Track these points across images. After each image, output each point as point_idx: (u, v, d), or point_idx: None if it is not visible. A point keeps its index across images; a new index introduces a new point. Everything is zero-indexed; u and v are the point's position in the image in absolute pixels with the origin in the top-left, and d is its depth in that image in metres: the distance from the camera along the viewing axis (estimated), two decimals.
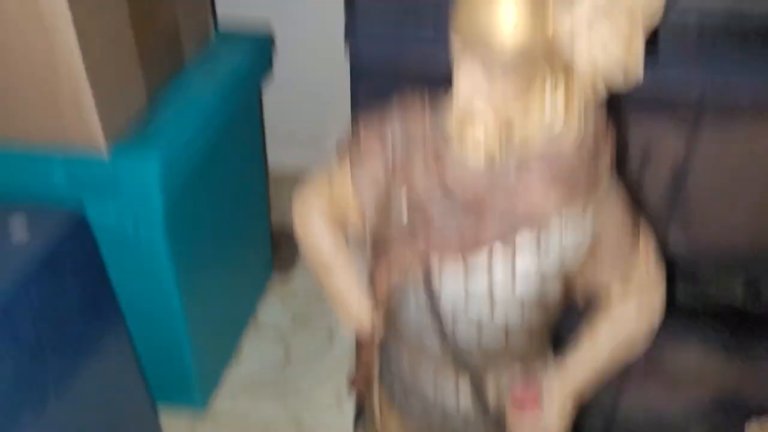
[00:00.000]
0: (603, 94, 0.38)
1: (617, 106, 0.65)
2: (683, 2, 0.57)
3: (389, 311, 0.47)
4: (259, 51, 0.94)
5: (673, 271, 0.75)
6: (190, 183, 0.80)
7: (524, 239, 0.41)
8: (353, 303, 0.50)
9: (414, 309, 0.46)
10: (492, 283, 0.42)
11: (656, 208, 0.72)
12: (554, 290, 0.43)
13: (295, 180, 1.29)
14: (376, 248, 0.46)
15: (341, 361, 1.03)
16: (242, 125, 0.94)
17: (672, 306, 0.72)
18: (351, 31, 0.64)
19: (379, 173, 0.44)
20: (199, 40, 0.90)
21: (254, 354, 1.05)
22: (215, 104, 0.82)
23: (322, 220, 0.49)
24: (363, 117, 0.45)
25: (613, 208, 0.42)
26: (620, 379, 0.84)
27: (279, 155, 1.26)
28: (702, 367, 0.82)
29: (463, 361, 0.46)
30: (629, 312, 0.47)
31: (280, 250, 1.17)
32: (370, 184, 0.44)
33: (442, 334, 0.45)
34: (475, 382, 0.47)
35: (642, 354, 0.81)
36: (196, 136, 0.78)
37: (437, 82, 0.66)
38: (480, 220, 0.40)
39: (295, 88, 1.14)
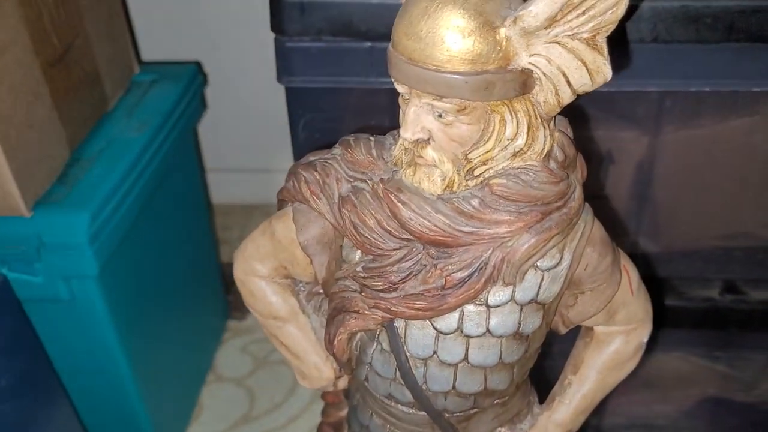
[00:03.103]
0: (569, 100, 0.34)
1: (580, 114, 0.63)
2: None
3: (351, 366, 0.42)
4: (188, 86, 0.88)
5: (650, 276, 0.74)
6: (125, 232, 0.73)
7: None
8: (311, 362, 0.45)
9: (378, 358, 0.41)
10: (464, 320, 0.38)
11: (624, 213, 0.70)
12: (533, 322, 0.39)
13: (243, 210, 1.24)
14: (331, 309, 0.41)
15: (308, 404, 0.97)
16: (177, 164, 0.88)
17: (657, 313, 0.71)
18: (284, 72, 0.61)
19: (328, 232, 0.39)
20: (123, 81, 0.85)
21: (215, 408, 0.98)
22: (144, 146, 0.76)
23: (270, 286, 0.44)
24: (303, 168, 0.40)
25: (591, 239, 0.38)
26: None
27: (225, 186, 1.20)
28: (687, 370, 0.80)
29: (438, 413, 0.41)
30: (616, 345, 0.43)
31: (234, 292, 1.10)
32: (320, 246, 0.40)
33: (412, 383, 0.40)
34: None
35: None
36: (125, 183, 0.72)
37: (378, 112, 0.65)
38: (445, 278, 0.36)
39: (234, 117, 1.08)
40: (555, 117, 0.37)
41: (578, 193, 0.37)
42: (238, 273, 0.45)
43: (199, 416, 0.97)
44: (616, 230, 0.72)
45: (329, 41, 0.59)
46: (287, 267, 0.43)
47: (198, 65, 0.92)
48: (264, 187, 1.19)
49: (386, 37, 0.58)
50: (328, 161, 0.40)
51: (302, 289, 0.46)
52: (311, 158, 0.43)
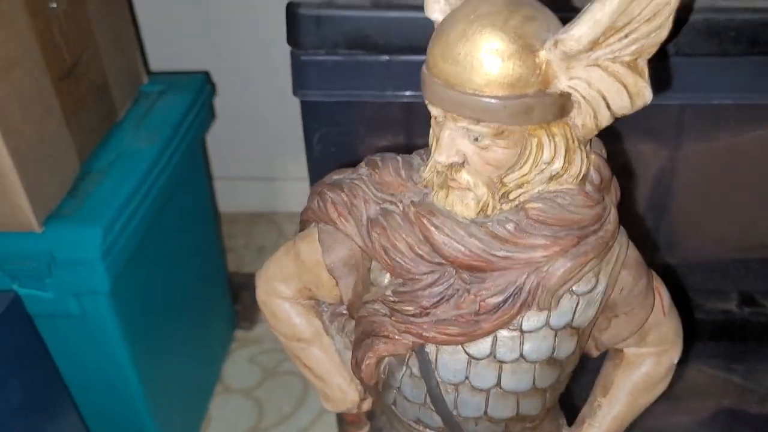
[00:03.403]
0: (608, 123, 0.34)
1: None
2: None
3: (378, 389, 0.42)
4: (197, 96, 0.87)
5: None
6: (136, 246, 0.72)
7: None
8: (336, 385, 0.44)
9: (408, 383, 0.40)
10: (497, 346, 0.37)
11: (643, 224, 0.69)
12: (568, 347, 0.38)
13: (249, 218, 1.24)
14: (359, 333, 0.40)
15: (317, 416, 0.96)
16: (186, 174, 0.87)
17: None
18: (299, 85, 0.60)
19: (355, 254, 0.38)
20: (132, 91, 0.84)
21: (224, 420, 0.97)
22: (154, 158, 0.76)
23: (293, 307, 0.43)
24: (329, 188, 0.40)
25: (626, 262, 0.38)
26: None
27: (230, 195, 1.19)
28: (702, 382, 0.79)
29: None
30: (647, 366, 0.43)
31: (241, 301, 1.10)
32: (347, 269, 0.39)
33: (443, 408, 0.39)
34: None
35: None
36: (136, 196, 0.71)
37: (394, 126, 0.64)
38: (479, 303, 0.35)
39: (241, 126, 1.08)
40: (591, 139, 0.36)
41: (613, 215, 0.36)
42: (261, 295, 0.44)
43: (208, 428, 0.96)
44: (635, 242, 0.72)
45: (345, 55, 0.58)
46: (311, 288, 0.42)
47: (206, 75, 0.91)
48: (269, 196, 1.19)
49: (402, 50, 0.58)
50: (356, 182, 0.39)
51: (325, 309, 0.45)
52: (335, 177, 0.42)
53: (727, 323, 0.69)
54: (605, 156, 0.37)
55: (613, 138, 0.65)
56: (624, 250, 0.37)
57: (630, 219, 0.68)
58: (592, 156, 0.35)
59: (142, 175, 0.73)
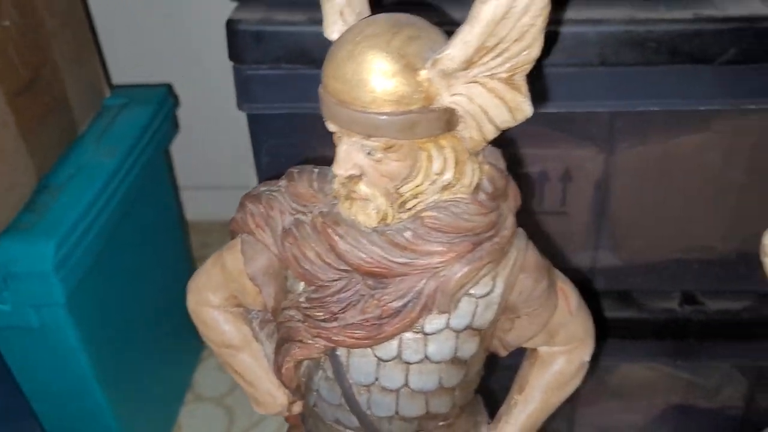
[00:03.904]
0: (493, 136, 0.36)
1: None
2: (581, 15, 0.56)
3: (300, 392, 0.43)
4: (159, 108, 0.89)
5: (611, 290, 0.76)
6: (94, 258, 0.74)
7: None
8: (265, 389, 0.46)
9: (324, 386, 0.42)
10: (402, 348, 0.39)
11: (584, 230, 0.71)
12: (470, 348, 0.40)
13: (222, 227, 1.25)
14: (278, 338, 0.42)
15: (285, 423, 0.98)
16: (149, 186, 0.89)
17: (615, 324, 0.72)
18: (243, 99, 0.62)
19: (274, 263, 0.41)
20: (93, 106, 0.86)
21: (194, 428, 0.98)
22: (113, 171, 0.77)
23: (222, 315, 0.45)
24: (249, 200, 0.42)
25: (524, 266, 0.40)
26: (572, 402, 0.83)
27: (202, 204, 1.21)
28: (651, 380, 0.81)
29: None
30: (559, 365, 0.44)
31: None
32: (267, 277, 0.41)
33: (357, 408, 0.41)
34: None
35: (592, 374, 0.82)
36: (93, 209, 0.73)
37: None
38: (382, 307, 0.37)
39: (209, 136, 1.10)
40: (485, 150, 0.38)
41: (510, 222, 0.38)
42: (191, 304, 0.46)
43: None
44: (577, 245, 0.74)
45: (286, 69, 0.60)
46: (238, 297, 0.44)
47: (169, 87, 0.93)
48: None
49: None
50: (274, 194, 0.41)
51: (255, 316, 0.47)
52: (261, 189, 0.44)
53: (670, 322, 0.71)
54: (502, 166, 0.39)
55: (553, 144, 0.68)
56: (522, 255, 0.39)
57: (572, 222, 0.71)
58: (486, 166, 0.37)
59: (100, 188, 0.75)
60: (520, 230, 0.41)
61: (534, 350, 0.45)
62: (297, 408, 0.48)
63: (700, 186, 0.67)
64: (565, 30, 0.56)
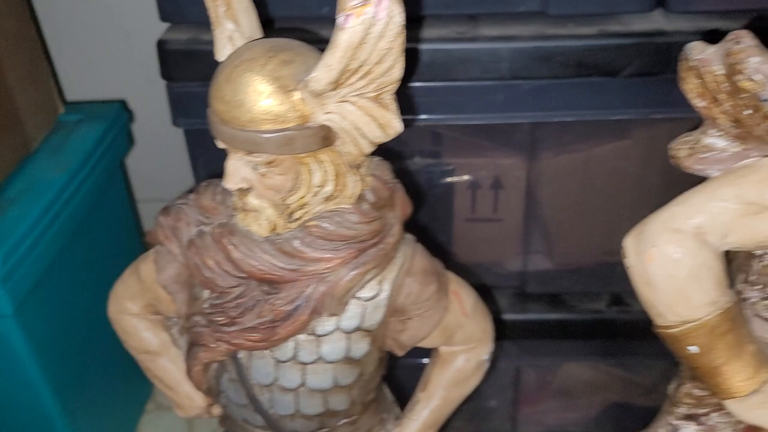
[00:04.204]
0: (369, 150, 0.38)
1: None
2: (494, 32, 0.59)
3: (211, 393, 0.46)
4: (113, 124, 0.91)
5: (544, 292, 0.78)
6: (44, 270, 0.76)
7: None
8: (183, 392, 0.49)
9: (230, 387, 0.45)
10: (298, 349, 0.42)
11: (516, 236, 0.74)
12: (362, 348, 0.42)
13: None
14: (188, 343, 0.45)
15: None
16: (104, 199, 0.91)
17: (548, 325, 0.75)
18: (177, 115, 0.65)
19: (183, 272, 0.43)
20: (47, 122, 0.88)
21: None
22: (63, 185, 0.79)
23: (141, 322, 0.48)
24: (161, 213, 0.44)
25: (411, 270, 0.42)
26: (514, 403, 0.86)
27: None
28: (589, 379, 0.84)
29: None
30: (458, 363, 0.47)
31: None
32: (178, 285, 0.43)
33: (260, 408, 0.43)
34: None
35: (533, 374, 0.84)
36: (42, 222, 0.75)
37: None
38: (274, 311, 0.40)
39: (160, 152, 1.12)
40: (370, 163, 0.41)
41: (396, 230, 0.41)
42: (111, 312, 0.48)
43: None
44: (510, 250, 0.77)
45: None
46: (155, 305, 0.47)
47: (122, 103, 0.95)
48: None
49: None
50: (182, 206, 0.44)
51: (176, 323, 0.49)
52: (176, 201, 0.46)
53: (598, 322, 0.74)
54: (389, 178, 0.41)
55: (481, 154, 0.71)
56: (409, 260, 0.42)
57: (504, 228, 0.74)
58: (369, 178, 0.40)
59: (50, 202, 0.77)
60: (409, 237, 0.43)
61: (436, 350, 0.48)
62: (216, 410, 0.50)
63: (621, 191, 0.70)
64: (480, 46, 0.59)
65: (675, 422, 0.45)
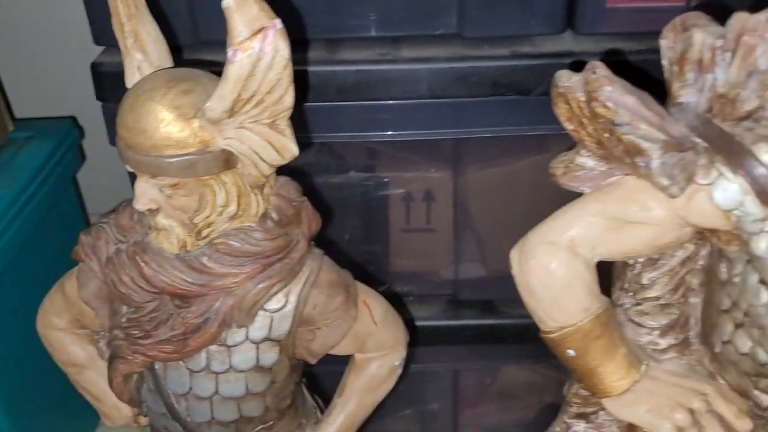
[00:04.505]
0: (269, 172, 0.41)
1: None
2: (414, 54, 0.62)
3: (134, 403, 0.48)
4: (63, 140, 0.93)
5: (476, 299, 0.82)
6: None
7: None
8: (110, 403, 0.51)
9: (149, 397, 0.47)
10: (210, 360, 0.44)
11: (448, 245, 0.77)
12: (271, 357, 0.45)
13: None
14: (109, 354, 0.47)
15: None
16: (54, 215, 0.92)
17: (480, 331, 0.78)
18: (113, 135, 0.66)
19: (103, 288, 0.45)
20: None
21: None
22: (10, 202, 0.81)
23: (68, 337, 0.50)
24: (84, 231, 0.47)
25: (317, 283, 0.45)
26: (454, 406, 0.89)
27: None
28: (526, 382, 0.87)
29: None
30: (371, 369, 0.50)
31: None
32: (100, 301, 0.46)
33: (178, 416, 0.46)
34: None
35: (472, 378, 0.87)
36: None
37: None
38: (185, 324, 0.42)
39: (111, 167, 1.13)
40: (275, 183, 0.43)
41: (302, 245, 0.44)
42: (39, 327, 0.51)
43: None
44: (443, 259, 0.80)
45: None
46: (80, 319, 0.49)
47: (73, 119, 0.97)
48: None
49: None
50: (102, 225, 0.46)
51: (103, 336, 0.52)
52: (98, 222, 0.48)
53: (529, 327, 0.77)
54: (294, 197, 0.44)
55: (413, 168, 0.74)
56: (315, 273, 0.44)
57: (438, 238, 0.77)
58: (273, 198, 0.43)
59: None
60: (317, 251, 0.46)
61: (352, 357, 0.51)
62: (143, 420, 0.52)
63: (543, 202, 0.73)
64: (400, 67, 0.62)
65: (568, 421, 0.48)
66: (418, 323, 0.77)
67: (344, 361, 0.53)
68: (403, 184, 0.75)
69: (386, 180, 0.75)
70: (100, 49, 0.67)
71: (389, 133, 0.65)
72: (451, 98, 0.62)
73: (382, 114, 0.64)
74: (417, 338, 0.78)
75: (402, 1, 0.61)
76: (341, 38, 0.64)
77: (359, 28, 0.63)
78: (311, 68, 0.62)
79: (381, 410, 0.90)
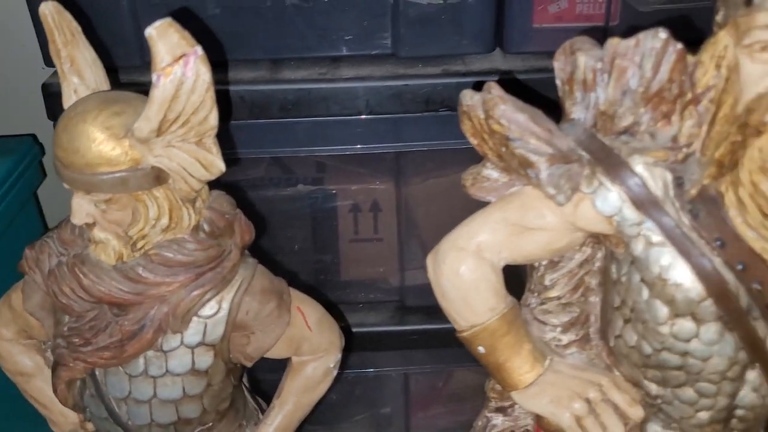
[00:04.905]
0: (199, 187, 0.44)
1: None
2: (351, 73, 0.66)
3: (78, 409, 0.50)
4: (22, 158, 0.95)
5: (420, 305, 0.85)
6: None
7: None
8: (57, 410, 0.53)
9: (91, 402, 0.49)
10: (148, 365, 0.47)
11: (394, 253, 0.80)
12: (206, 360, 0.48)
13: None
14: (53, 362, 0.49)
15: None
16: (17, 229, 0.94)
17: (425, 335, 0.81)
18: None
19: (47, 299, 0.48)
20: None
21: None
22: None
23: (15, 347, 0.53)
24: (29, 246, 0.49)
25: (250, 290, 0.48)
26: (407, 409, 0.92)
27: None
28: (475, 384, 0.90)
29: None
30: (307, 371, 0.53)
31: None
32: (44, 312, 0.48)
33: (119, 420, 0.48)
34: None
35: (422, 381, 0.90)
36: None
37: None
38: (122, 331, 0.45)
39: None
40: (208, 196, 0.46)
41: (233, 254, 0.47)
42: None
43: None
44: (390, 267, 0.83)
45: None
46: (27, 330, 0.51)
47: (33, 137, 0.99)
48: None
49: None
50: (46, 239, 0.49)
51: (50, 346, 0.54)
52: (43, 236, 0.51)
53: None
54: (227, 209, 0.47)
55: (359, 180, 0.77)
56: (247, 281, 0.47)
57: (385, 247, 0.80)
58: (205, 210, 0.46)
59: None
60: (251, 260, 0.49)
61: (290, 360, 0.53)
62: (90, 426, 0.54)
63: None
64: (338, 86, 0.65)
65: (489, 415, 0.51)
66: (369, 329, 0.80)
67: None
68: (350, 195, 0.78)
69: (334, 192, 0.78)
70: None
71: (331, 147, 0.69)
72: (388, 114, 0.66)
73: (323, 129, 0.67)
74: (368, 344, 0.81)
75: (340, 23, 0.65)
76: (283, 58, 0.67)
77: (300, 49, 0.66)
78: (255, 87, 0.65)
79: (335, 415, 0.93)
